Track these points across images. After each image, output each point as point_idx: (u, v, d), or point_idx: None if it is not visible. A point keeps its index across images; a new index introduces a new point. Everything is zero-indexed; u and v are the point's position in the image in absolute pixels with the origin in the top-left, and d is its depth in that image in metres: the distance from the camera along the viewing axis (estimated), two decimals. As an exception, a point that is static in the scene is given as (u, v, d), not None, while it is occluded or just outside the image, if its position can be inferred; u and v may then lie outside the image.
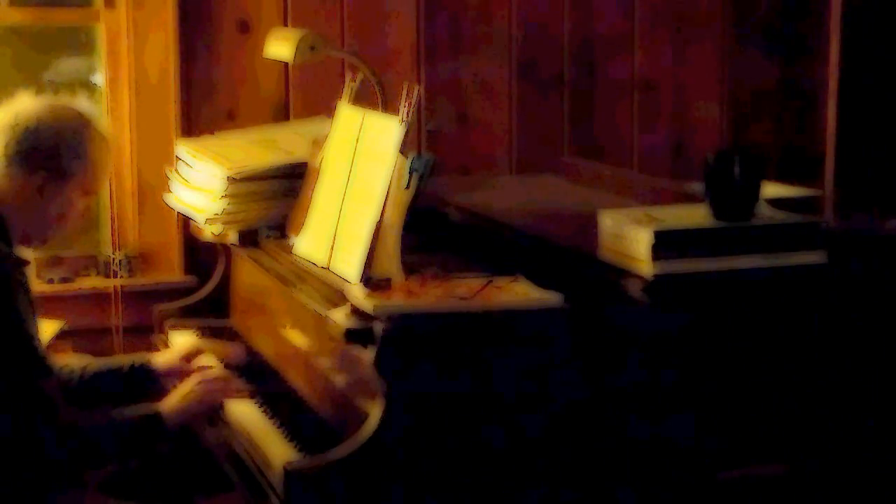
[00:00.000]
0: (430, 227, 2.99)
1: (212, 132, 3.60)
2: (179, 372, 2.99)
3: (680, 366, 2.49)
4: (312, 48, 3.37)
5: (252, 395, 2.81)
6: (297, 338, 2.86)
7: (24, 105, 2.78)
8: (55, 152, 2.74)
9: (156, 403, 2.76)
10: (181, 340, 3.29)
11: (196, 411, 2.75)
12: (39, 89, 2.88)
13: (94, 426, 2.66)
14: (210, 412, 2.79)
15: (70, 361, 3.04)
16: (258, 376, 2.97)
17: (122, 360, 3.07)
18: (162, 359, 3.05)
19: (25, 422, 2.57)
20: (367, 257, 2.65)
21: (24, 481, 2.62)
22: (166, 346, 3.33)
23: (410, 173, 2.64)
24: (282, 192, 3.20)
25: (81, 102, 2.87)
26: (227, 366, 3.05)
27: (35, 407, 2.58)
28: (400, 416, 2.33)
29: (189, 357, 3.04)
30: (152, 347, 3.37)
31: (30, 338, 2.63)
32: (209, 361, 3.05)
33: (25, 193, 2.74)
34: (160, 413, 2.70)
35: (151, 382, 2.99)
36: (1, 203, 2.73)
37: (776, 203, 2.70)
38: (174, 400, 2.75)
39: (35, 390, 2.59)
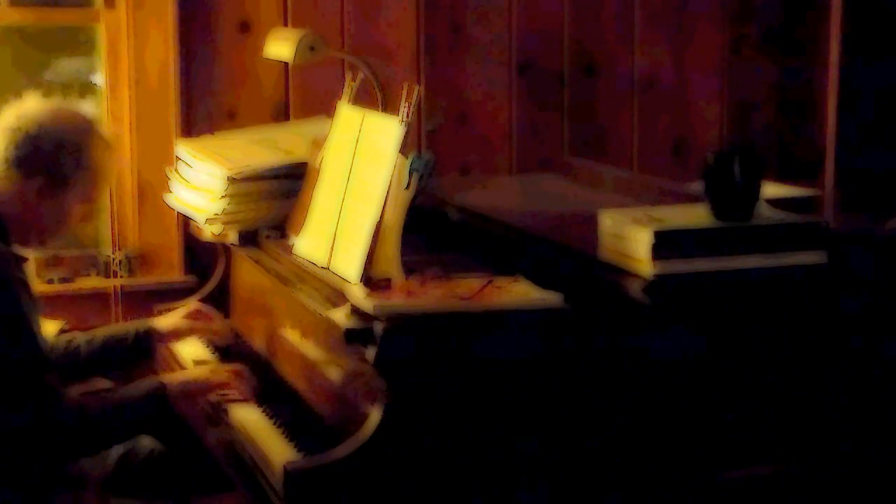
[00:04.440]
0: (430, 227, 2.99)
1: (212, 132, 3.60)
2: (182, 332, 3.15)
3: (680, 366, 2.49)
4: (312, 48, 3.37)
5: (256, 402, 2.81)
6: (297, 338, 2.86)
7: (28, 108, 2.78)
8: (54, 159, 2.74)
9: (158, 375, 2.84)
10: (185, 349, 3.31)
11: (197, 392, 2.77)
12: (46, 91, 2.89)
13: (98, 409, 2.68)
14: (207, 393, 2.80)
15: (75, 335, 3.10)
16: (258, 376, 2.97)
17: (127, 327, 3.16)
18: (164, 322, 3.14)
19: (31, 417, 2.57)
20: (367, 257, 2.65)
21: (27, 478, 2.62)
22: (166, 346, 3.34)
23: (410, 173, 2.64)
24: (282, 192, 3.20)
25: (86, 107, 2.88)
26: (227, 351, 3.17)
27: (38, 401, 2.59)
28: (400, 416, 2.33)
29: (190, 317, 3.15)
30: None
31: (31, 333, 2.64)
32: (205, 325, 3.18)
33: (24, 197, 2.74)
34: (163, 383, 2.73)
35: (155, 345, 3.13)
36: (0, 203, 2.73)
37: (776, 203, 2.70)
38: (181, 375, 2.82)
39: (38, 385, 2.59)
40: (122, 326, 3.19)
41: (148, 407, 2.71)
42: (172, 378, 2.78)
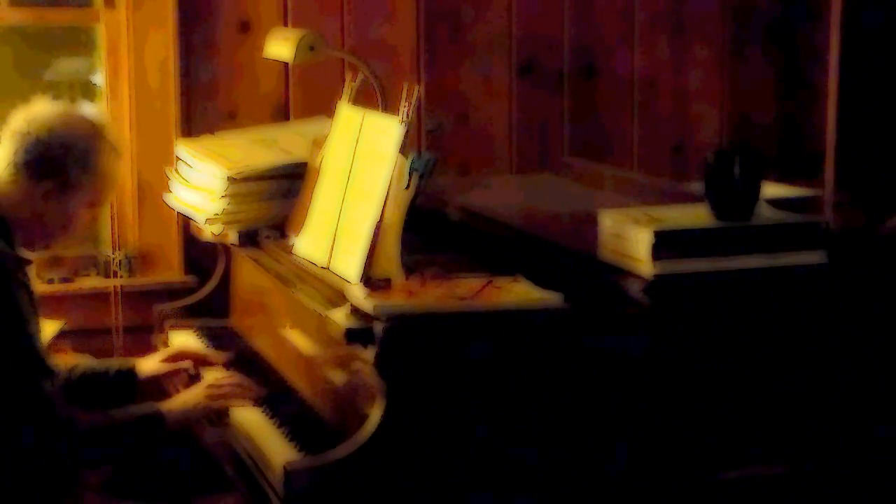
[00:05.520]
0: (430, 227, 2.99)
1: (212, 132, 3.60)
2: (161, 378, 3.03)
3: (680, 366, 2.49)
4: (312, 48, 3.37)
5: (258, 405, 2.80)
6: (297, 338, 2.86)
7: (37, 112, 2.78)
8: (63, 164, 2.74)
9: (159, 402, 2.77)
10: (179, 340, 3.30)
11: (199, 416, 2.75)
12: (46, 91, 2.89)
13: (93, 426, 2.66)
14: (212, 415, 2.78)
15: (58, 362, 3.05)
16: (258, 376, 2.97)
17: (110, 363, 3.08)
18: (146, 365, 3.05)
19: (25, 422, 2.57)
20: (367, 257, 2.65)
21: (23, 482, 2.62)
22: (166, 345, 3.33)
23: (410, 173, 2.64)
24: (282, 192, 3.20)
25: (95, 112, 2.86)
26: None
27: (34, 408, 2.58)
28: (400, 417, 2.33)
29: (172, 360, 3.05)
30: (152, 347, 3.38)
31: (31, 338, 2.64)
32: (187, 366, 3.06)
33: (30, 200, 2.74)
34: (161, 412, 2.70)
35: (135, 387, 3.01)
36: (6, 206, 2.73)
37: (776, 203, 2.70)
38: (179, 401, 2.77)
39: (35, 391, 2.59)
40: (104, 362, 3.10)
41: (145, 434, 2.70)
42: (172, 406, 2.74)
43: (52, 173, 2.73)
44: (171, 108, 3.79)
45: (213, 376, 2.87)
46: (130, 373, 3.02)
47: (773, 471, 2.58)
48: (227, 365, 3.05)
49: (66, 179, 2.74)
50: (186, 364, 3.06)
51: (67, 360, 3.07)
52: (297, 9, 3.92)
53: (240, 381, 2.82)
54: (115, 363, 3.08)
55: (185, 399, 2.77)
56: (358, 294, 2.45)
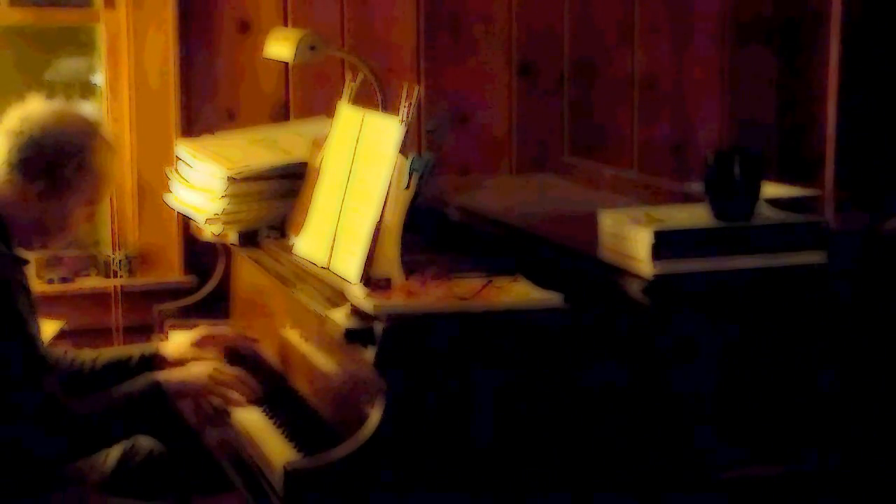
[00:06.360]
0: (430, 227, 2.99)
1: (212, 132, 3.60)
2: (188, 361, 3.01)
3: (679, 366, 2.49)
4: (312, 48, 3.37)
5: (257, 403, 2.79)
6: (297, 338, 2.86)
7: (30, 111, 2.78)
8: (57, 162, 2.74)
9: (155, 373, 2.79)
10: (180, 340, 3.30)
11: (194, 392, 2.74)
12: (46, 91, 2.89)
13: (93, 411, 2.67)
14: (204, 395, 2.76)
15: (80, 352, 3.05)
16: (258, 376, 2.97)
17: (132, 350, 3.08)
18: (171, 348, 3.06)
19: (28, 424, 2.57)
20: (367, 257, 2.65)
21: (25, 479, 2.62)
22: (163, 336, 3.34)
23: (410, 173, 2.64)
24: (282, 192, 3.20)
25: (88, 109, 2.86)
26: (231, 354, 3.08)
27: (36, 404, 2.58)
28: (400, 416, 2.33)
29: (198, 344, 3.06)
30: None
31: (30, 337, 2.64)
32: (215, 352, 3.06)
33: (26, 199, 2.74)
34: (159, 381, 2.71)
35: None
36: (2, 206, 2.73)
37: (776, 203, 2.70)
38: (179, 372, 2.78)
39: (36, 391, 2.59)
40: (126, 349, 3.11)
41: (145, 405, 2.71)
42: (170, 376, 2.76)
43: (46, 172, 2.73)
44: (171, 108, 3.79)
45: (217, 363, 2.88)
46: (154, 358, 3.02)
47: (773, 471, 2.58)
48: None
49: (61, 178, 2.74)
50: (214, 353, 3.06)
51: (86, 352, 3.06)
52: (297, 9, 3.92)
53: (243, 377, 2.82)
54: (136, 350, 3.07)
55: (186, 372, 2.79)
56: (358, 294, 2.45)
